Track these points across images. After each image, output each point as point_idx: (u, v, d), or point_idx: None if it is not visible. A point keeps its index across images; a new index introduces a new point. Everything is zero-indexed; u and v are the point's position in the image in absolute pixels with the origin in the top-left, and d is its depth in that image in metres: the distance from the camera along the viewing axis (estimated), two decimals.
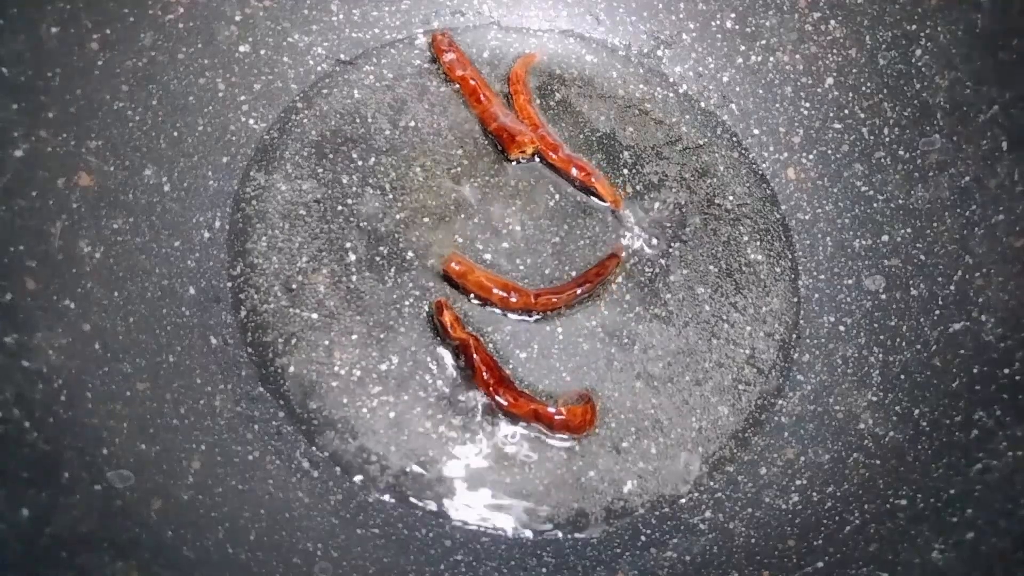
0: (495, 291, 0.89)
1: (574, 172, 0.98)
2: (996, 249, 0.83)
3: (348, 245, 0.93)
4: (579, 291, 0.91)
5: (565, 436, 0.86)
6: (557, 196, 0.99)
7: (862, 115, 0.97)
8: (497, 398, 0.85)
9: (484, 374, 0.86)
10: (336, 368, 0.87)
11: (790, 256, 0.98)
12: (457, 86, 1.02)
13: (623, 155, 1.02)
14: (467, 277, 0.90)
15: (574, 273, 0.94)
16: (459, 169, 0.98)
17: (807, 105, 1.01)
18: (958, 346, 0.82)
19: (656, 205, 1.00)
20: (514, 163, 0.99)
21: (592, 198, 0.98)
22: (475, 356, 0.86)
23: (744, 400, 0.91)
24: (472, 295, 0.91)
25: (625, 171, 1.01)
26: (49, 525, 0.63)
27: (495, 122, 0.99)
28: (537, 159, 1.00)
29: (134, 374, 0.77)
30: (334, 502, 0.81)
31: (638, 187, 1.00)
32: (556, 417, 0.85)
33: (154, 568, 0.67)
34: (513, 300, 0.89)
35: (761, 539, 0.80)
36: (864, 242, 0.95)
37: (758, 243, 0.99)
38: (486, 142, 1.01)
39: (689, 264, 0.97)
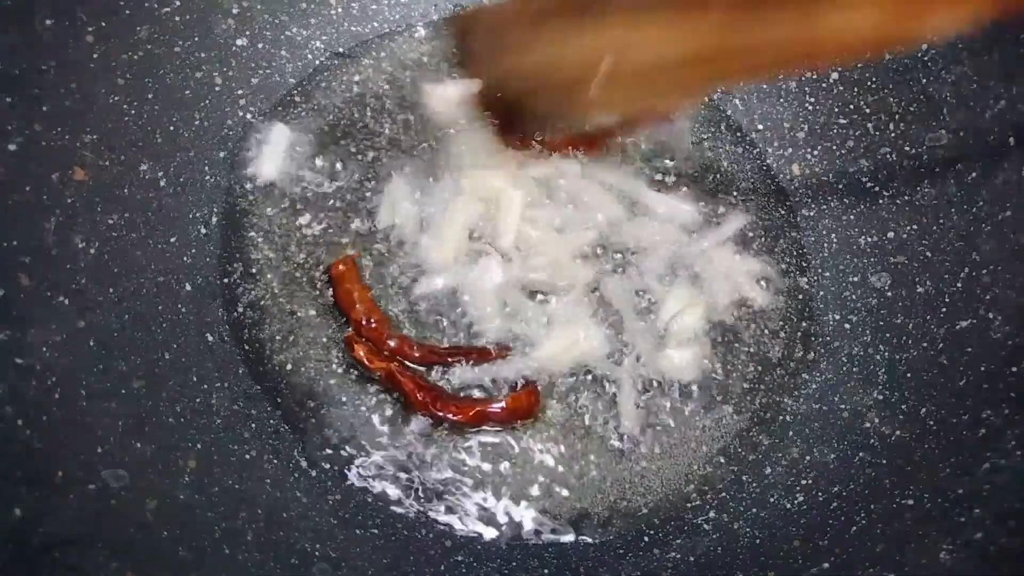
0: (357, 307, 0.85)
1: None
2: (1004, 246, 0.83)
3: (346, 241, 0.92)
4: (444, 358, 0.86)
5: (518, 425, 0.84)
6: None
7: (867, 110, 0.96)
8: (441, 415, 0.82)
9: (418, 395, 0.82)
10: (334, 366, 0.87)
11: (795, 253, 0.98)
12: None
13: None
14: (342, 282, 0.86)
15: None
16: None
17: (812, 100, 1.01)
18: (965, 344, 0.82)
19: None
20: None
21: None
22: (401, 381, 0.83)
23: (748, 399, 0.90)
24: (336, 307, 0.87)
25: None
26: (42, 525, 0.63)
27: None
28: None
29: (129, 372, 0.77)
30: (332, 502, 0.81)
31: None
32: (502, 409, 0.83)
33: (149, 569, 0.67)
34: (371, 326, 0.85)
35: (766, 540, 0.79)
36: (870, 239, 0.94)
37: (762, 240, 0.98)
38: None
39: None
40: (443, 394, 0.84)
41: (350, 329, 0.87)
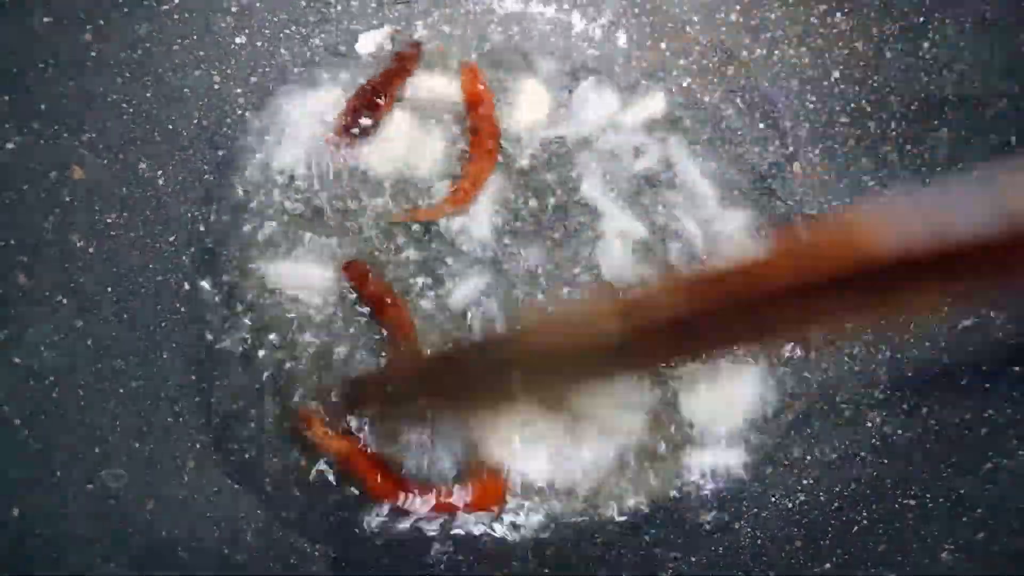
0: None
1: None
2: None
3: (347, 240, 0.92)
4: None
5: (479, 514, 0.80)
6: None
7: (869, 109, 0.96)
8: (399, 503, 0.78)
9: (377, 479, 0.78)
10: (334, 366, 0.86)
11: None
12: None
13: None
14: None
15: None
16: (457, 165, 0.97)
17: (813, 99, 1.00)
18: (967, 343, 0.81)
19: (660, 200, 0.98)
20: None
21: None
22: (356, 465, 0.78)
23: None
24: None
25: None
26: (40, 525, 0.63)
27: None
28: None
29: (127, 371, 0.77)
30: (332, 501, 0.81)
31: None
32: (463, 503, 0.79)
33: (148, 569, 0.67)
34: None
35: (767, 540, 0.79)
36: None
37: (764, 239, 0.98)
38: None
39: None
40: (402, 480, 0.80)
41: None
